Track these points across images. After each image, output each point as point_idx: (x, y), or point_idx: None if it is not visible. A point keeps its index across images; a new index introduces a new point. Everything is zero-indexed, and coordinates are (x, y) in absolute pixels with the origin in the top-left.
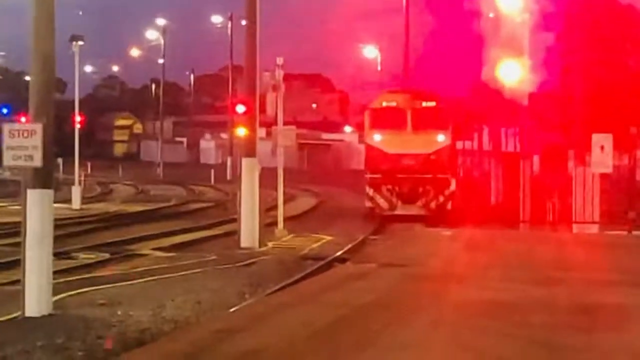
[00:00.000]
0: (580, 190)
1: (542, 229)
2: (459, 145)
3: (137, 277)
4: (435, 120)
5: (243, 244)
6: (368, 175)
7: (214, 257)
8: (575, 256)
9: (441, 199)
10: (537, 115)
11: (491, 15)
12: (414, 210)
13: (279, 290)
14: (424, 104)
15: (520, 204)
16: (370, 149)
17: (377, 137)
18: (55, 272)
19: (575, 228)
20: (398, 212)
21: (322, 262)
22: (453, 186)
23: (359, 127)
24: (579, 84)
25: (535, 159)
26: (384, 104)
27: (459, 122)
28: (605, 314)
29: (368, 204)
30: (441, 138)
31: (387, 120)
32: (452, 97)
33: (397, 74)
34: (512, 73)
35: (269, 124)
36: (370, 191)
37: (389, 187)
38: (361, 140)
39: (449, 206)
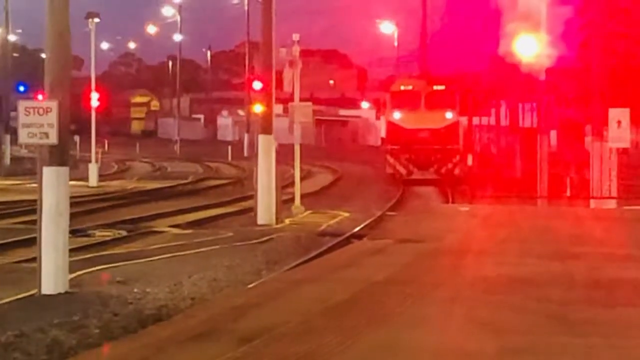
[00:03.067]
0: (597, 165)
1: (559, 204)
2: (476, 121)
3: (154, 254)
4: (444, 101)
5: (260, 221)
6: (389, 147)
7: (230, 234)
8: (592, 231)
9: (450, 165)
10: (554, 90)
11: None
12: (427, 175)
13: (295, 267)
14: (435, 87)
15: (538, 179)
16: (390, 124)
17: (396, 115)
18: (71, 250)
19: (593, 203)
20: (414, 177)
21: (339, 239)
22: (466, 158)
23: (376, 103)
24: (596, 58)
25: (553, 134)
26: (402, 87)
27: (467, 101)
28: (623, 289)
29: (389, 170)
30: (449, 115)
31: (405, 101)
32: (464, 76)
33: (414, 50)
34: (529, 48)
35: (285, 101)
36: (391, 160)
37: (407, 156)
38: (378, 116)
39: (456, 171)
